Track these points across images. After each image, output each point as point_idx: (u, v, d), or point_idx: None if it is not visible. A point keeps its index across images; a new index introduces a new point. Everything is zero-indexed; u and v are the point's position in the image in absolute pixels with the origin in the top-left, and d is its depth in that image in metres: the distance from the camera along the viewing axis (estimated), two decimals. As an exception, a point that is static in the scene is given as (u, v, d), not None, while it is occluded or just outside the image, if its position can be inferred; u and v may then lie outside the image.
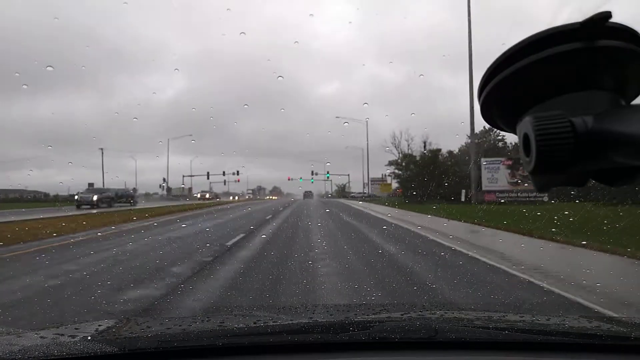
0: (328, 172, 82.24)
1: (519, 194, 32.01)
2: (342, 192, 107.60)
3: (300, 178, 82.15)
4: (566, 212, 13.95)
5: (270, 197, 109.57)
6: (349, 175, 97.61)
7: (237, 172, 77.79)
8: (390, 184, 72.02)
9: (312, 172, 79.58)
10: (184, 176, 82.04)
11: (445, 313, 1.73)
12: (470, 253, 9.09)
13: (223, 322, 1.60)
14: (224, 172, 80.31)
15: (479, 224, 15.59)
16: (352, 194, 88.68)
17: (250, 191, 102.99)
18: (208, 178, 79.17)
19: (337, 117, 60.87)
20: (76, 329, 1.57)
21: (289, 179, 79.28)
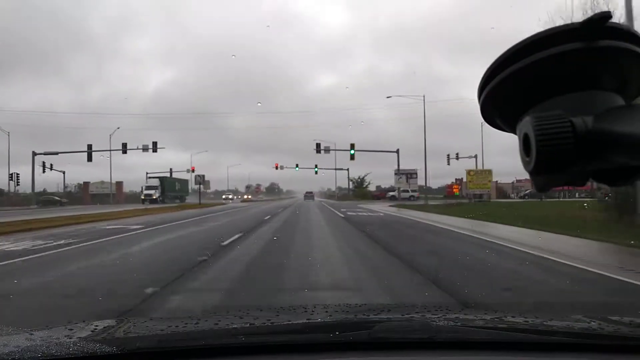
0: (352, 149, 45.77)
1: None
2: (361, 188, 71.81)
3: (296, 166, 56.49)
4: None
5: (227, 198, 69.08)
6: (397, 151, 55.08)
7: (154, 145, 44.75)
8: (488, 173, 41.61)
9: (318, 146, 46.03)
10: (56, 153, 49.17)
11: (446, 314, 1.73)
12: None
13: (221, 322, 1.60)
14: (142, 148, 46.12)
15: None
16: (401, 191, 55.41)
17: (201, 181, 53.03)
18: (125, 151, 45.85)
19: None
20: (72, 329, 1.57)
21: (276, 167, 55.12)
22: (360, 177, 72.75)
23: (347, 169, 66.83)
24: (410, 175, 58.01)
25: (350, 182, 72.78)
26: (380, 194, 65.97)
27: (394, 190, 60.45)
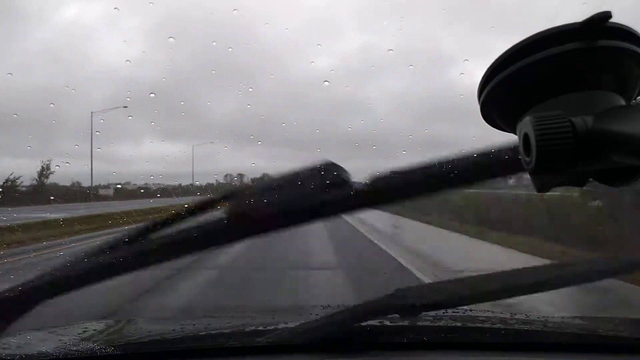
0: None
1: None
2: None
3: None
4: None
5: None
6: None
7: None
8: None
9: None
10: None
11: (445, 314, 1.73)
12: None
13: (218, 323, 1.60)
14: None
15: None
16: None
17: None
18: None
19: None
20: (69, 329, 1.56)
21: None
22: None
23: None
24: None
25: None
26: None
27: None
